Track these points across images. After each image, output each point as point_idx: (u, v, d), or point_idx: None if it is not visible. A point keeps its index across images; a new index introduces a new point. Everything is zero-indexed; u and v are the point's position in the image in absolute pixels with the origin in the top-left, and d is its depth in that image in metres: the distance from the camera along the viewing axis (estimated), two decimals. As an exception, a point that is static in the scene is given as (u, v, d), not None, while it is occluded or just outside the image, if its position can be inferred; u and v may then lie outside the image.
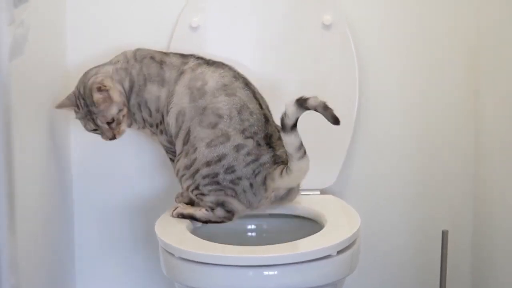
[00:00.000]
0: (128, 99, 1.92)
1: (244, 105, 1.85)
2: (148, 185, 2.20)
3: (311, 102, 1.72)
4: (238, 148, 1.82)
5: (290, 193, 1.90)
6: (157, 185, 2.19)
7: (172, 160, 1.97)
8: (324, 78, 2.09)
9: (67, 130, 2.14)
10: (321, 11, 2.07)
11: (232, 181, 1.83)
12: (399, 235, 2.24)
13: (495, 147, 2.10)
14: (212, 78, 1.87)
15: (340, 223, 1.89)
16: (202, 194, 1.86)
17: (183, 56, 1.94)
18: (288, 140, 1.77)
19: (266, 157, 1.84)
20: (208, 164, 1.83)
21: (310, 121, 1.76)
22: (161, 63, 1.92)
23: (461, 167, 2.21)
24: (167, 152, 1.98)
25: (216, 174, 1.83)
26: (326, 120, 1.73)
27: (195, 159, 1.84)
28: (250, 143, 1.83)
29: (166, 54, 1.95)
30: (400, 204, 2.23)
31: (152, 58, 1.93)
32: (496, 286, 2.09)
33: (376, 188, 2.22)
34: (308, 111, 1.73)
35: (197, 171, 1.84)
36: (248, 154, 1.83)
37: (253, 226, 2.02)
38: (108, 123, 1.90)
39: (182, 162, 1.86)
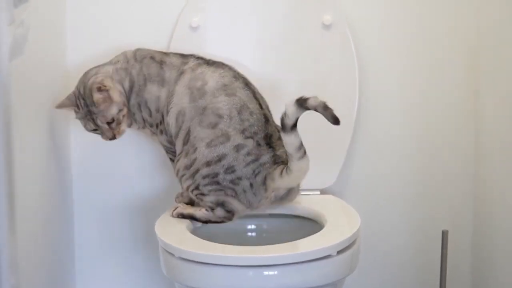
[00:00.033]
0: (128, 99, 1.92)
1: (244, 105, 1.85)
2: (148, 185, 2.20)
3: (311, 102, 1.72)
4: (238, 148, 1.82)
5: (290, 193, 1.89)
6: (157, 185, 2.19)
7: (172, 160, 1.97)
8: (324, 78, 2.09)
9: (67, 130, 2.14)
10: (321, 11, 2.07)
11: (232, 181, 1.83)
12: (399, 235, 2.24)
13: (495, 147, 2.09)
14: (212, 78, 1.87)
15: (340, 223, 1.89)
16: (202, 194, 1.86)
17: (183, 56, 1.94)
18: (288, 140, 1.77)
19: (266, 157, 1.83)
20: (208, 164, 1.83)
21: (310, 121, 1.76)
22: (161, 63, 1.92)
23: (461, 167, 2.21)
24: (167, 152, 1.97)
25: (216, 174, 1.83)
26: (326, 120, 1.72)
27: (195, 159, 1.84)
28: (250, 143, 1.83)
29: (166, 54, 1.95)
30: (400, 204, 2.23)
31: (152, 58, 1.93)
32: (496, 286, 2.09)
33: (376, 188, 2.22)
34: (308, 111, 1.73)
35: (197, 171, 1.84)
36: (248, 154, 1.82)
37: (253, 226, 2.02)
38: (108, 123, 1.90)
39: (182, 162, 1.86)
